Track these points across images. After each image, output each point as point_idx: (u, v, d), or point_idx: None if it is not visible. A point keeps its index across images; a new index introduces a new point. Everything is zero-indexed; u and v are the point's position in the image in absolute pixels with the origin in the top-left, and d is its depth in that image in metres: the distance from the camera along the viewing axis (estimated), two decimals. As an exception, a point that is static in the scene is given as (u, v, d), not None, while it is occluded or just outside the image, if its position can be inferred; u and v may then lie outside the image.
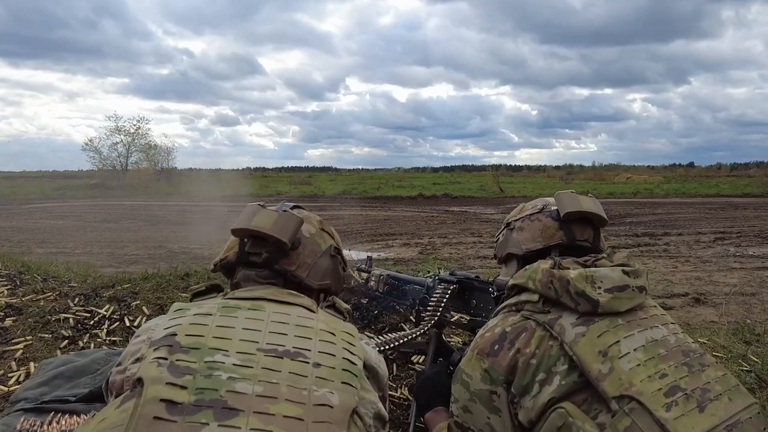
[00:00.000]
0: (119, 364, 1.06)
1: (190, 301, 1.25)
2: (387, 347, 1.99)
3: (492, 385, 1.25)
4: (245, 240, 1.28)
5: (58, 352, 2.29)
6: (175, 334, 0.99)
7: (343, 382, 1.01)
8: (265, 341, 1.02)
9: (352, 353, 1.09)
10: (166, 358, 0.94)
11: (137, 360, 1.00)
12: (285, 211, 1.31)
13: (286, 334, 1.05)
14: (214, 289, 1.29)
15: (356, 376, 1.04)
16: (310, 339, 1.06)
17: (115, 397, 0.98)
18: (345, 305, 1.33)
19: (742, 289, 6.54)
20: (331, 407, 0.95)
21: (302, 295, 1.23)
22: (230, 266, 1.32)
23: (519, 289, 1.36)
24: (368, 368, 1.12)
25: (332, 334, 1.11)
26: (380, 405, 1.09)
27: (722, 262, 8.58)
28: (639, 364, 1.15)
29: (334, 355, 1.05)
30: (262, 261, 1.26)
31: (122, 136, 34.16)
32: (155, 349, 0.96)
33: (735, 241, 10.85)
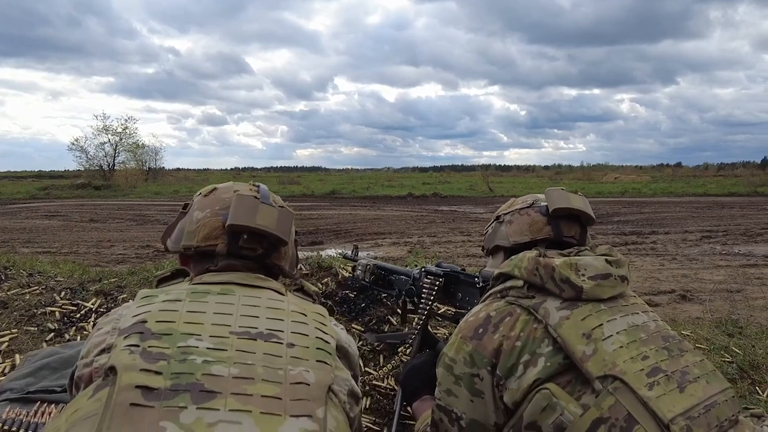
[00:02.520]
0: (84, 357, 1.04)
1: (156, 287, 1.23)
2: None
3: (474, 368, 1.26)
4: (244, 235, 1.23)
5: (44, 344, 2.29)
6: (145, 321, 0.98)
7: (317, 361, 1.01)
8: (237, 324, 1.02)
9: (324, 332, 1.10)
10: (138, 345, 0.93)
11: (103, 351, 0.98)
12: (282, 207, 1.29)
13: (257, 317, 1.05)
14: (179, 274, 1.27)
15: (330, 354, 1.06)
16: (282, 320, 1.07)
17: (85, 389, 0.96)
18: (313, 288, 1.33)
19: (727, 286, 6.60)
20: (308, 385, 0.95)
21: (270, 279, 1.23)
22: (211, 255, 1.25)
23: (505, 277, 1.38)
24: (339, 349, 1.13)
25: (304, 314, 1.12)
26: (353, 382, 1.10)
27: (708, 259, 8.65)
28: (622, 346, 1.18)
29: (307, 335, 1.06)
30: (256, 256, 1.25)
31: (110, 136, 33.87)
32: (125, 337, 0.95)
33: (721, 239, 10.94)
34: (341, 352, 1.14)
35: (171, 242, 1.33)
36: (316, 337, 1.07)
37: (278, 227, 1.24)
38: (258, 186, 1.35)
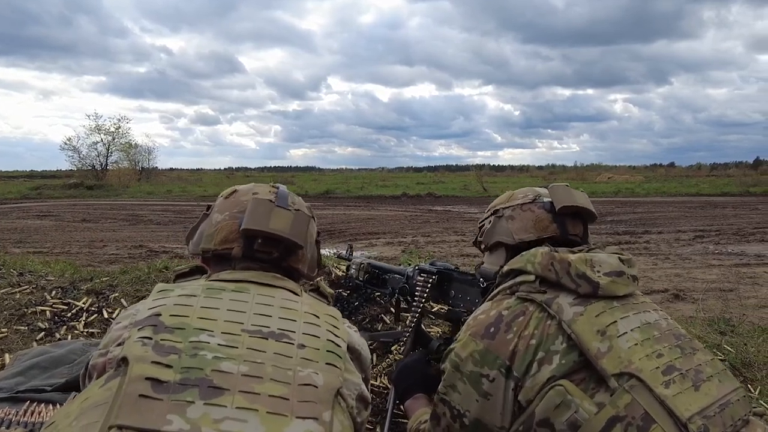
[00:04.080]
0: (100, 349, 1.06)
1: (174, 282, 1.24)
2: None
3: (485, 368, 1.24)
4: (258, 239, 1.23)
5: (35, 343, 2.27)
6: (160, 315, 0.99)
7: (327, 363, 1.01)
8: (250, 322, 1.03)
9: (336, 335, 1.10)
10: (150, 338, 0.94)
11: (119, 344, 0.99)
12: (299, 210, 1.30)
13: (270, 316, 1.06)
14: (197, 271, 1.28)
15: (340, 357, 1.05)
16: (295, 321, 1.07)
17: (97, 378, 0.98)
18: (329, 289, 1.34)
19: (720, 285, 6.62)
20: (316, 387, 0.95)
21: (286, 278, 1.23)
22: (228, 258, 1.26)
23: (515, 273, 1.35)
24: (351, 350, 1.13)
25: (316, 316, 1.12)
26: (363, 387, 1.10)
27: (701, 259, 8.69)
28: (636, 344, 1.17)
29: (319, 337, 1.06)
30: (272, 259, 1.26)
31: (102, 136, 33.62)
32: (139, 329, 0.96)
33: (714, 238, 10.99)
34: (353, 353, 1.14)
35: (192, 244, 1.34)
36: (327, 340, 1.07)
37: (292, 231, 1.24)
38: (278, 188, 1.35)
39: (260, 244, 1.23)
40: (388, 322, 2.58)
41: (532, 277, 1.30)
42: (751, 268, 7.83)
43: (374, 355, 2.36)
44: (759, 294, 6.11)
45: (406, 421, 1.68)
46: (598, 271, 1.26)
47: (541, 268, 1.28)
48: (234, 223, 1.25)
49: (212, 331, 0.98)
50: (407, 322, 2.03)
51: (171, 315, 1.00)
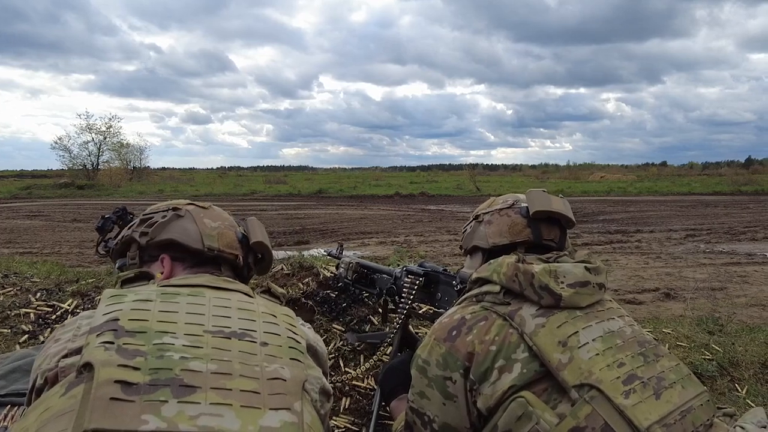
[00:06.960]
0: (40, 368, 0.99)
1: (121, 287, 1.21)
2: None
3: (447, 371, 1.25)
4: (257, 254, 1.46)
5: (17, 346, 2.24)
6: (118, 319, 0.98)
7: (291, 358, 1.04)
8: (211, 324, 1.04)
9: (295, 333, 1.13)
10: (112, 342, 0.93)
11: (66, 356, 0.96)
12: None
13: (230, 317, 1.07)
14: (143, 277, 1.26)
15: (302, 353, 1.08)
16: (254, 321, 1.09)
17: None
18: (280, 290, 1.36)
19: (710, 284, 6.66)
20: (284, 380, 0.97)
21: (237, 281, 1.26)
22: (226, 261, 1.39)
23: (482, 282, 1.36)
24: (309, 348, 1.15)
25: (273, 316, 1.15)
26: (324, 380, 1.11)
27: (692, 258, 8.74)
28: (597, 354, 1.17)
29: (279, 335, 1.08)
30: (257, 270, 1.50)
31: (93, 135, 33.42)
32: (98, 335, 0.95)
33: (705, 237, 11.06)
34: (311, 350, 1.16)
35: (190, 240, 1.34)
36: (288, 337, 1.09)
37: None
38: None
39: (258, 258, 1.47)
40: (376, 323, 2.57)
41: (497, 288, 1.30)
42: (741, 267, 7.88)
43: (361, 356, 2.35)
44: (749, 293, 6.14)
45: (391, 422, 1.67)
46: (562, 282, 1.25)
47: (506, 279, 1.29)
48: (233, 233, 1.41)
49: (175, 333, 0.98)
50: (394, 323, 2.02)
51: (130, 319, 0.99)
